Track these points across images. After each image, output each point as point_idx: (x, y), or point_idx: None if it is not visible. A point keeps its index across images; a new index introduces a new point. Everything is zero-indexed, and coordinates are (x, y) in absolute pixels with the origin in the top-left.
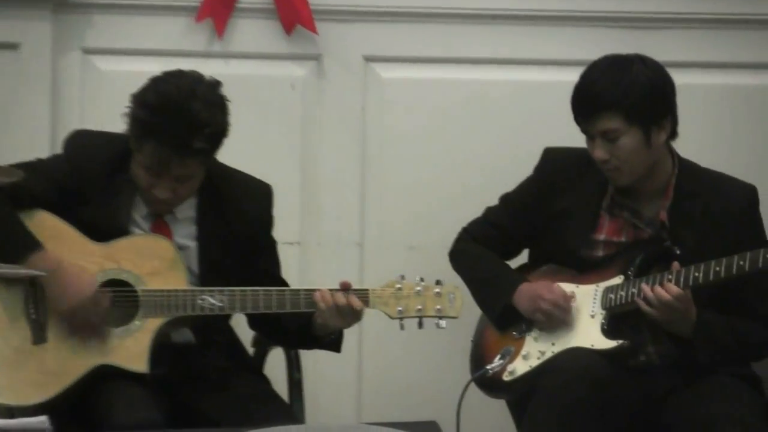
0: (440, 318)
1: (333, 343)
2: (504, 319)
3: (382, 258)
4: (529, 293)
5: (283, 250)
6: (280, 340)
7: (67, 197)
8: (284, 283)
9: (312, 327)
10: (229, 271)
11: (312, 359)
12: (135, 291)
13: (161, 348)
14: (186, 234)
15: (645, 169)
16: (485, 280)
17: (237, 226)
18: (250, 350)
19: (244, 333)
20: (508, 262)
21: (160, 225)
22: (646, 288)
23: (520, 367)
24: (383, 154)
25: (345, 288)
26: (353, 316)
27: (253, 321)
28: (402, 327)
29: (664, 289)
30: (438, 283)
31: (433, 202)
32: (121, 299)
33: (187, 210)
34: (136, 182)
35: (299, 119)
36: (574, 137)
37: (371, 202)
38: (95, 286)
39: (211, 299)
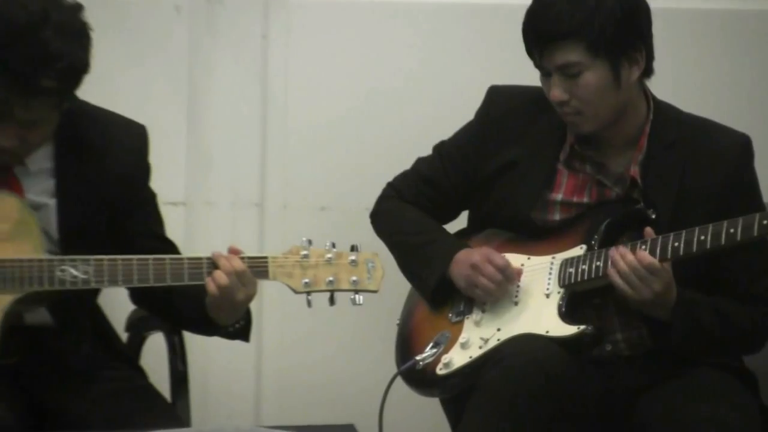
0: (356, 292)
1: (241, 331)
2: (439, 296)
3: (287, 221)
4: (466, 263)
5: (164, 211)
6: (175, 323)
7: None
8: (170, 245)
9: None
10: (96, 234)
11: (200, 346)
12: None
13: (12, 332)
14: (41, 190)
15: (612, 113)
16: (415, 246)
17: (106, 178)
18: (124, 335)
19: (116, 313)
20: (443, 227)
21: (9, 179)
22: (616, 255)
23: (457, 357)
24: (288, 95)
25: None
26: (251, 287)
27: (137, 296)
28: (309, 303)
29: (639, 258)
30: (353, 249)
31: (350, 154)
32: None
33: (42, 160)
34: None
35: (185, 50)
36: (526, 73)
37: (273, 154)
38: None
39: (73, 270)
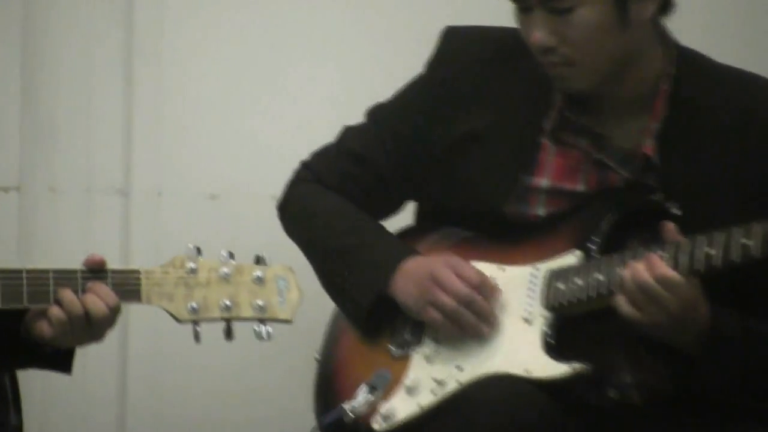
0: (263, 322)
1: (57, 357)
2: (375, 321)
3: (163, 215)
4: (419, 276)
5: None
6: None
7: None
8: None
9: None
10: None
11: (39, 388)
12: None
13: None
14: None
15: (616, 63)
16: (341, 252)
17: None
18: None
19: None
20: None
21: None
22: (627, 273)
23: (401, 406)
24: (160, 46)
25: (96, 267)
26: (105, 323)
27: None
28: (197, 337)
29: (656, 272)
30: (259, 261)
31: (246, 126)
32: None
33: None
34: None
35: None
36: (491, 11)
37: (142, 123)
38: None
39: None
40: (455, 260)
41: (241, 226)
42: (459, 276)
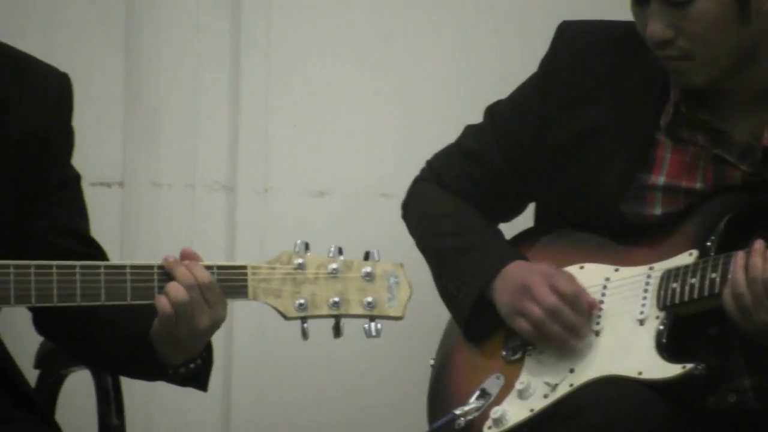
0: (372, 319)
1: (196, 373)
2: (478, 324)
3: (270, 212)
4: (514, 283)
5: (94, 194)
6: (95, 360)
7: None
8: (95, 248)
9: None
10: None
11: (143, 392)
12: None
13: None
14: None
15: (737, 57)
16: (450, 253)
17: (6, 143)
18: (32, 376)
19: (19, 343)
20: (501, 226)
21: None
22: (738, 265)
23: (513, 411)
24: (268, 40)
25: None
26: (219, 309)
27: (44, 320)
28: (305, 334)
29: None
30: (369, 256)
31: (360, 123)
32: None
33: None
34: None
35: None
36: (605, 5)
37: (249, 118)
38: None
39: None
40: (552, 271)
41: (349, 224)
42: (552, 287)
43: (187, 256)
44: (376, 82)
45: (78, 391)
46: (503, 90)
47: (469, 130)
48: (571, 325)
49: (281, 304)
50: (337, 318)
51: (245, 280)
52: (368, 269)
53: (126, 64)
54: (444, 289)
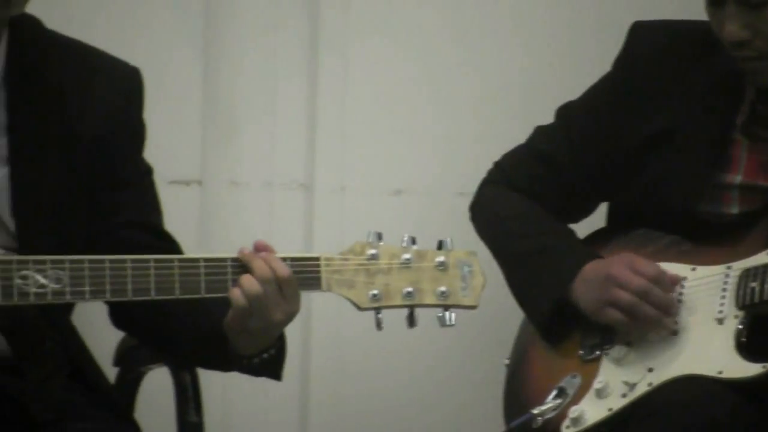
0: (446, 308)
1: (270, 363)
2: (558, 324)
3: (347, 208)
4: (596, 279)
5: (173, 193)
6: (171, 351)
7: None
8: (169, 242)
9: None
10: (70, 220)
11: (220, 387)
12: None
13: None
14: None
15: None
16: (523, 256)
17: (79, 138)
18: (111, 373)
19: (99, 339)
20: (571, 227)
21: None
22: None
23: (591, 410)
24: (345, 39)
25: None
26: (293, 301)
27: (120, 314)
28: (379, 324)
29: None
30: (441, 246)
31: (434, 122)
32: None
33: None
34: None
35: None
36: (677, 5)
37: (326, 117)
38: None
39: (40, 277)
40: (630, 257)
41: (425, 222)
42: (634, 271)
43: (261, 248)
44: (452, 81)
45: (157, 388)
46: (576, 90)
47: (540, 131)
48: (663, 302)
49: (355, 295)
50: (411, 308)
51: (318, 272)
52: (441, 258)
53: (204, 63)
54: (519, 291)
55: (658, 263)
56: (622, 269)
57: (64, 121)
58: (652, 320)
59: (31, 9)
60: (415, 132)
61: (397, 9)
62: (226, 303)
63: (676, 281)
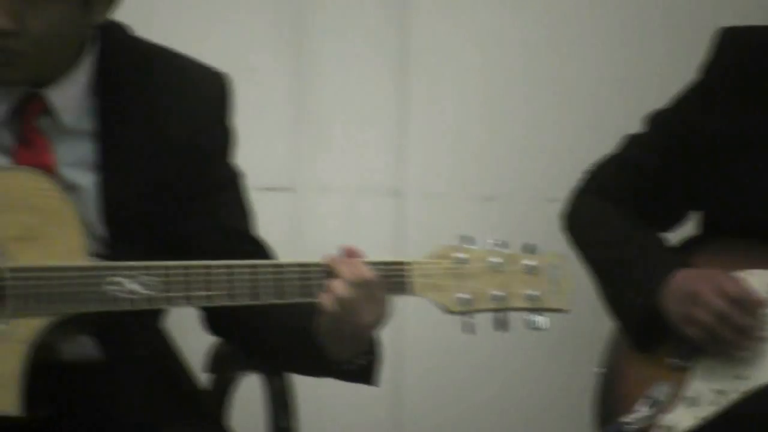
0: (536, 312)
1: (364, 369)
2: (647, 332)
3: (436, 213)
4: (682, 292)
5: (266, 200)
6: (264, 357)
7: None
8: (260, 247)
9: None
10: (161, 227)
11: (313, 393)
12: None
13: (42, 372)
14: (80, 160)
15: None
16: (613, 263)
17: (169, 145)
18: (203, 378)
19: (190, 344)
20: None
21: (33, 138)
22: None
23: (682, 419)
24: (435, 44)
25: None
26: (382, 304)
27: (212, 320)
28: (469, 329)
29: None
30: (529, 249)
31: (524, 128)
32: None
33: (81, 116)
34: None
35: None
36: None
37: (416, 123)
38: None
39: (131, 283)
40: (717, 275)
41: (515, 228)
42: (719, 292)
43: (349, 253)
44: (543, 86)
45: (249, 394)
46: (665, 97)
47: (630, 139)
48: (741, 327)
49: (443, 298)
50: (501, 311)
51: (407, 276)
52: (531, 262)
53: (295, 69)
54: (609, 300)
55: (748, 276)
56: (706, 287)
57: (153, 127)
58: (730, 344)
59: (119, 16)
60: (506, 138)
61: (486, 14)
62: (317, 309)
63: (759, 304)
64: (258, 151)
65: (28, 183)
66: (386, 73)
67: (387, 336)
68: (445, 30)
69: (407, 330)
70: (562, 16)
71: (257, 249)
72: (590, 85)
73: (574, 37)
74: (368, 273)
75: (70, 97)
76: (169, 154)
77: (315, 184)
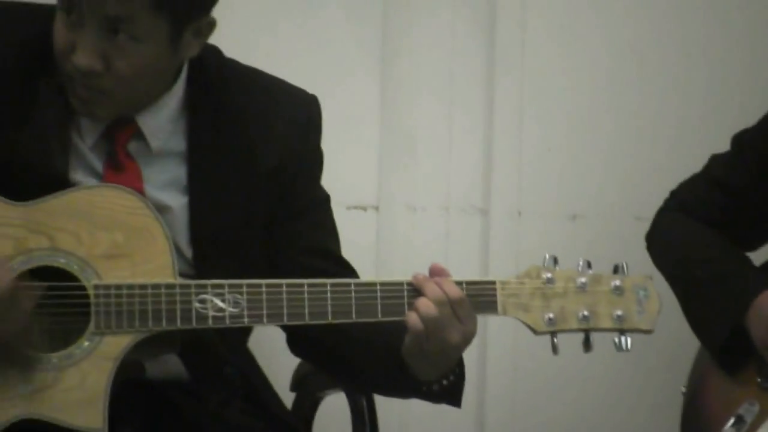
0: (622, 332)
1: (450, 389)
2: (733, 352)
3: (523, 233)
4: (766, 314)
5: (350, 218)
6: (349, 378)
7: None
8: (346, 268)
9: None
10: (243, 248)
11: (397, 413)
12: (82, 287)
13: (128, 389)
14: (169, 181)
15: None
16: (700, 283)
17: (258, 167)
18: (288, 397)
19: (275, 364)
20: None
21: (123, 162)
22: None
23: None
24: (522, 63)
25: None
26: (469, 323)
27: (297, 340)
28: (555, 349)
29: None
30: (617, 270)
31: (611, 147)
32: (59, 302)
33: (171, 138)
34: (61, 68)
35: (380, 4)
36: None
37: (503, 141)
38: (10, 279)
39: (218, 301)
40: None
41: (601, 247)
42: None
43: (436, 272)
44: (630, 104)
45: (334, 413)
46: (753, 118)
47: (716, 159)
48: None
49: (531, 318)
50: (587, 332)
51: (495, 295)
52: (617, 282)
53: (381, 89)
54: (694, 319)
55: None
56: None
57: (243, 149)
58: None
59: (211, 39)
60: (592, 156)
61: (573, 32)
62: (403, 329)
63: None
64: (344, 169)
65: (118, 201)
66: (472, 91)
67: (469, 355)
68: (532, 47)
69: (490, 349)
70: (650, 35)
71: (342, 270)
72: (678, 105)
73: (662, 57)
74: (455, 292)
75: (161, 120)
76: (257, 175)
77: (401, 203)
